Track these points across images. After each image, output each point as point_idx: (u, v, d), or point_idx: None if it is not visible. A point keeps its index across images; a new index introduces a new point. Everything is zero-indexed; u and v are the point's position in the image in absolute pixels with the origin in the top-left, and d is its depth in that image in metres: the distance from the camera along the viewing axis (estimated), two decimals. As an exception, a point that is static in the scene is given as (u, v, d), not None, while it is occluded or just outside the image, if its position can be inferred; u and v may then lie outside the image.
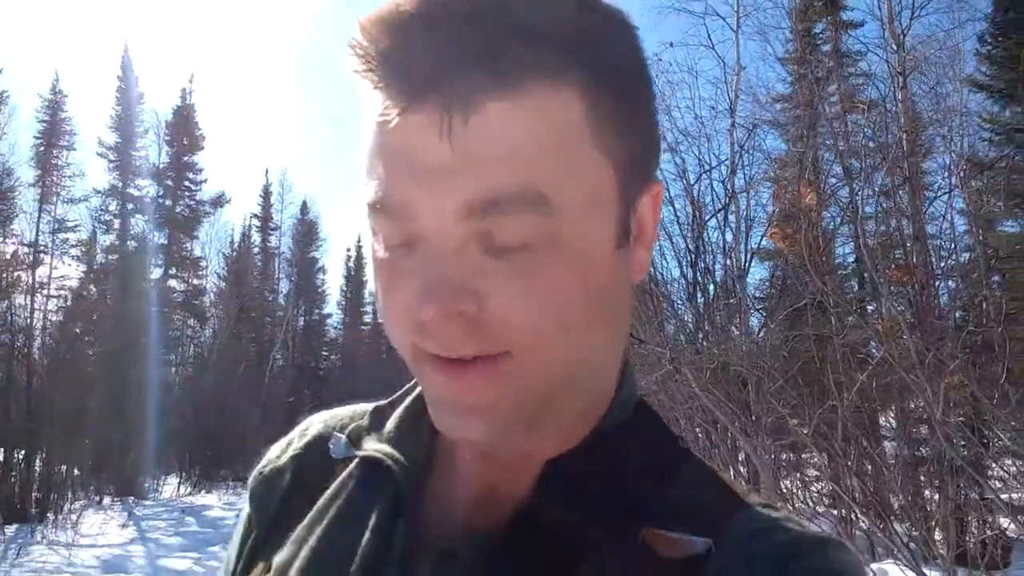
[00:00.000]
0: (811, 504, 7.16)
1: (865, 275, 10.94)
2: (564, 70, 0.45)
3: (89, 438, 15.25)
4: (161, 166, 27.61)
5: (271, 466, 0.67)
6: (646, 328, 7.27)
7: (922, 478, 6.58)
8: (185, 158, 28.11)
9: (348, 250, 39.44)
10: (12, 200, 20.79)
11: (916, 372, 4.78)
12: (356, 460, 0.61)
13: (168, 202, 27.70)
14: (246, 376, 24.14)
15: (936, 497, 6.06)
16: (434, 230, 0.45)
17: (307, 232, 35.83)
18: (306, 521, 0.60)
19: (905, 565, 4.38)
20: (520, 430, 0.51)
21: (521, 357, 0.47)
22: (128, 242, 25.84)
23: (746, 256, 10.70)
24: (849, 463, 5.56)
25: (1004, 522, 5.69)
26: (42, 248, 22.38)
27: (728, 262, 10.50)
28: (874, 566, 5.03)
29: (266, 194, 34.79)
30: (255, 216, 34.34)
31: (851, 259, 13.13)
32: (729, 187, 10.70)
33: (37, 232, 22.28)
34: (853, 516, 5.63)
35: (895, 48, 10.90)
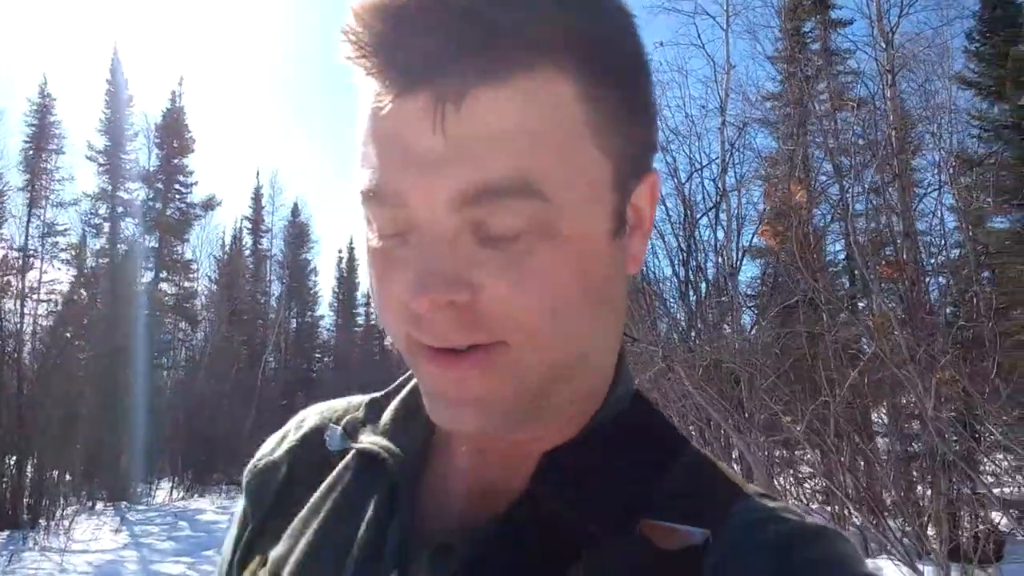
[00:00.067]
0: (804, 501, 7.19)
1: (856, 272, 10.99)
2: (559, 58, 0.45)
3: (81, 443, 15.15)
4: (151, 169, 27.49)
5: (266, 459, 0.67)
6: (639, 327, 7.29)
7: (914, 474, 6.61)
8: (175, 161, 27.96)
9: (340, 252, 39.42)
10: (1, 205, 20.71)
11: (907, 368, 4.81)
12: (352, 453, 0.61)
13: (158, 205, 27.55)
14: (238, 379, 24.03)
15: (929, 492, 6.08)
16: (427, 219, 0.45)
17: (298, 234, 35.72)
18: (302, 514, 0.59)
19: (899, 560, 4.40)
20: (516, 421, 0.50)
21: (516, 346, 0.47)
22: (118, 246, 25.68)
23: (737, 254, 10.75)
24: (842, 459, 5.58)
25: (996, 516, 5.72)
26: (32, 252, 22.24)
27: (720, 260, 10.54)
28: (868, 562, 5.04)
29: (257, 196, 34.66)
30: (246, 218, 34.23)
31: (842, 256, 13.20)
32: (720, 185, 10.75)
33: (27, 236, 22.13)
34: (846, 512, 5.66)
35: (884, 46, 10.94)
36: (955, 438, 5.39)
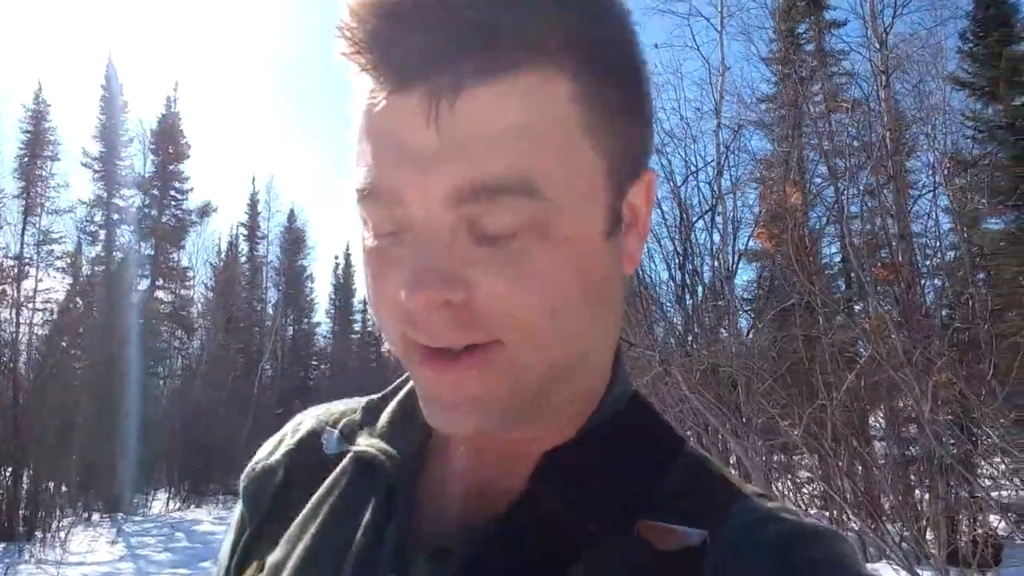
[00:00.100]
0: (803, 506, 7.17)
1: (852, 275, 10.99)
2: (556, 57, 0.45)
3: (77, 453, 15.11)
4: (147, 175, 27.49)
5: (263, 464, 0.66)
6: (635, 331, 7.28)
7: (912, 477, 6.60)
8: (171, 167, 28.00)
9: (336, 258, 39.41)
10: (-3, 212, 20.68)
11: (904, 370, 4.80)
12: (349, 456, 0.61)
13: (154, 212, 27.57)
14: (235, 387, 23.99)
15: (927, 496, 6.07)
16: (422, 217, 0.45)
17: (295, 240, 35.73)
18: (299, 519, 0.59)
19: (898, 565, 4.39)
20: (514, 420, 0.50)
21: (512, 345, 0.46)
22: (114, 253, 25.68)
23: (734, 257, 10.75)
24: (840, 464, 5.57)
25: (994, 520, 5.71)
26: (27, 261, 22.23)
27: (716, 264, 10.55)
28: (867, 567, 5.03)
29: (253, 203, 34.69)
30: (242, 225, 34.25)
31: (837, 259, 13.21)
32: (716, 188, 10.76)
33: (22, 244, 22.13)
34: (845, 517, 5.65)
35: (878, 47, 10.97)
36: (952, 441, 5.38)
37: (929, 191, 11.48)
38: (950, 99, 12.88)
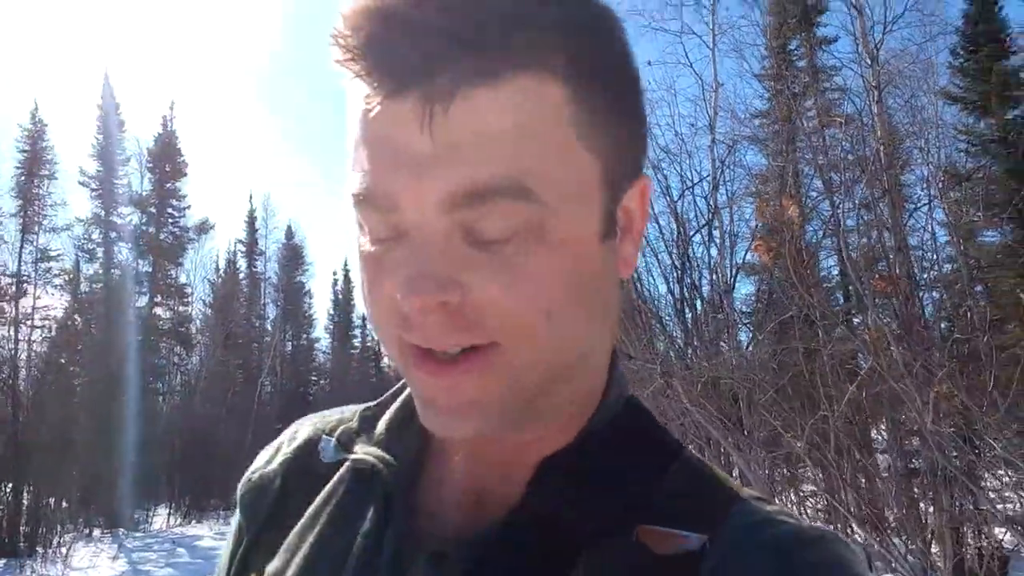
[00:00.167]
0: (807, 519, 7.15)
1: (850, 288, 11.03)
2: (546, 60, 0.45)
3: (77, 470, 15.03)
4: (144, 194, 27.48)
5: (260, 473, 0.66)
6: (635, 345, 7.30)
7: (916, 490, 6.61)
8: (168, 185, 27.99)
9: (335, 273, 39.38)
10: (-6, 230, 20.64)
11: (905, 382, 4.83)
12: (347, 464, 0.61)
13: (152, 230, 27.53)
14: (234, 403, 23.89)
15: (931, 509, 6.07)
16: (418, 222, 0.45)
17: (293, 256, 35.68)
18: (297, 528, 0.59)
19: (904, 577, 4.40)
20: (511, 424, 0.50)
21: (509, 348, 0.47)
22: (112, 271, 25.61)
23: (732, 271, 10.79)
24: (844, 476, 5.58)
25: (1000, 532, 5.70)
26: (25, 279, 22.16)
27: (714, 277, 10.56)
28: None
29: (251, 219, 34.66)
30: (240, 242, 34.22)
31: (835, 272, 13.26)
32: (712, 203, 10.80)
33: (20, 262, 22.07)
34: (849, 530, 5.65)
35: (869, 62, 11.05)
36: (955, 453, 5.40)
37: (924, 204, 11.55)
38: (942, 113, 12.97)
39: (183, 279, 28.92)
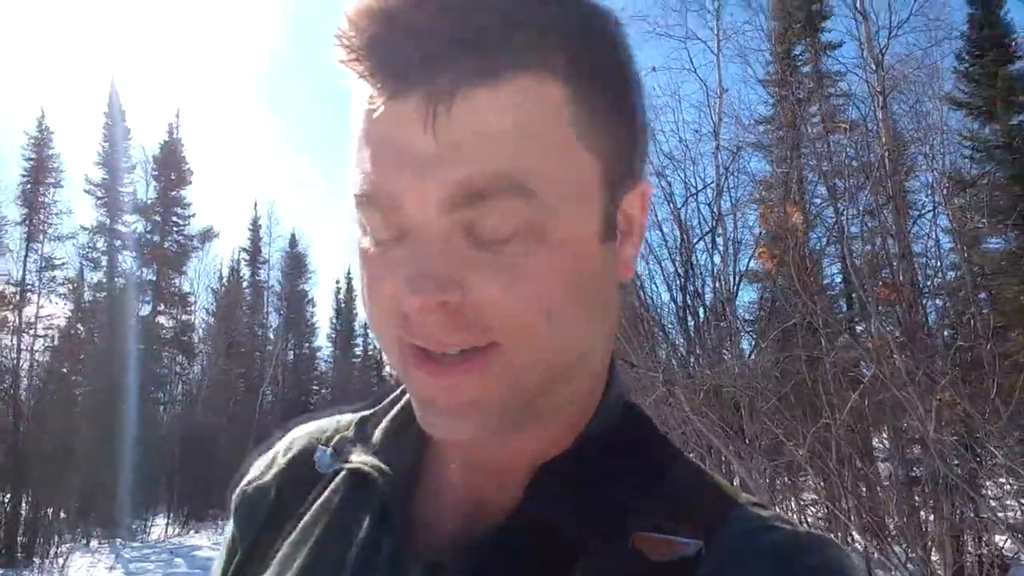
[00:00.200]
0: (808, 527, 7.08)
1: (853, 295, 10.97)
2: (546, 60, 0.46)
3: (77, 479, 15.05)
4: (149, 201, 27.61)
5: (255, 484, 0.66)
6: (638, 352, 7.26)
7: (916, 498, 6.55)
8: (173, 193, 28.15)
9: (337, 282, 39.48)
10: (-1, 238, 20.75)
11: (907, 390, 4.78)
12: (343, 473, 0.60)
13: (156, 238, 27.66)
14: (235, 412, 23.93)
15: (932, 517, 6.02)
16: (420, 221, 0.46)
17: (296, 265, 35.81)
18: (292, 539, 0.58)
19: (904, 587, 4.34)
20: (509, 426, 0.50)
21: (509, 348, 0.47)
22: (116, 279, 25.72)
23: (735, 278, 10.74)
24: (844, 484, 5.53)
25: (1000, 540, 5.65)
26: (29, 287, 22.26)
27: (717, 285, 10.52)
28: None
29: (255, 227, 34.83)
30: (244, 250, 34.36)
31: (838, 279, 13.20)
32: (715, 210, 10.77)
33: (24, 271, 22.19)
34: (849, 538, 5.59)
35: (874, 68, 11.04)
36: (957, 461, 5.34)
37: (929, 211, 11.50)
38: (947, 119, 12.94)
39: (186, 287, 29.08)
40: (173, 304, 28.19)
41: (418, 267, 0.45)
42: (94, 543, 15.16)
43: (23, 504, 12.99)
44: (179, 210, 28.37)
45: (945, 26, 12.85)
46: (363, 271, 0.50)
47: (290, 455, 0.66)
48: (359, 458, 0.60)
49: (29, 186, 23.15)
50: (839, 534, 6.06)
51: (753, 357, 9.18)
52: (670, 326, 10.04)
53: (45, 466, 13.43)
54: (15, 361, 17.62)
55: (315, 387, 37.95)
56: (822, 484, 5.97)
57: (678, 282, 10.10)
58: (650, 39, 13.13)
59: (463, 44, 0.44)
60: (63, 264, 23.95)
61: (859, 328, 9.42)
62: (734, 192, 11.45)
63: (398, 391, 0.63)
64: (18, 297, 21.02)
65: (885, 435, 7.54)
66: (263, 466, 0.67)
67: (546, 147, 0.46)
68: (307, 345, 37.40)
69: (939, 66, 12.91)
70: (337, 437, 0.64)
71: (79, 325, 22.16)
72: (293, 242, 35.82)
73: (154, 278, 27.47)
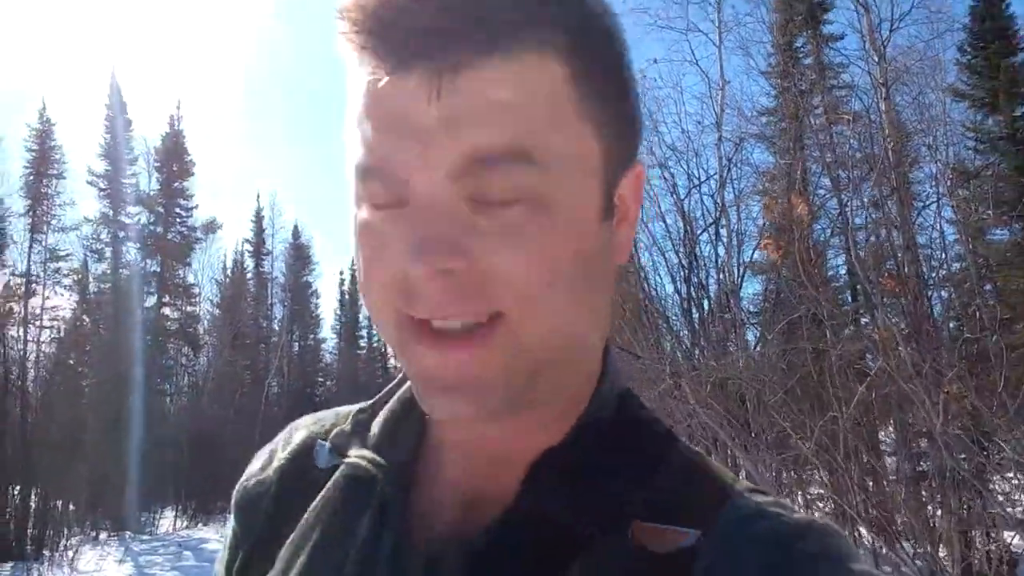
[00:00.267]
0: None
1: (858, 287, 10.97)
2: (548, 37, 0.46)
3: (84, 472, 15.09)
4: (152, 193, 27.58)
5: (255, 479, 0.66)
6: (642, 344, 7.27)
7: (924, 493, 6.56)
8: (175, 184, 28.08)
9: (341, 273, 39.41)
10: (3, 230, 20.75)
11: (914, 382, 4.79)
12: (341, 468, 0.60)
13: (159, 229, 27.64)
14: (241, 404, 23.97)
15: (939, 512, 6.03)
16: (425, 189, 0.46)
17: (300, 256, 35.76)
18: (294, 536, 0.58)
19: (912, 581, 4.36)
20: (512, 401, 0.50)
21: (514, 318, 0.47)
22: (120, 271, 25.73)
23: (739, 270, 10.73)
24: (852, 478, 5.55)
25: (1009, 535, 5.66)
26: (34, 278, 22.27)
27: (721, 276, 10.51)
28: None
29: (258, 219, 34.75)
30: (247, 241, 34.30)
31: (843, 271, 13.19)
32: (719, 201, 10.75)
33: (29, 262, 22.18)
34: (857, 533, 5.62)
35: (876, 60, 10.99)
36: (964, 455, 5.36)
37: (933, 202, 11.48)
38: (950, 111, 12.88)
39: (191, 279, 29.05)
40: (178, 296, 28.19)
41: (425, 232, 0.45)
42: (103, 536, 15.22)
43: (32, 497, 13.03)
44: (182, 201, 28.32)
45: (947, 18, 12.77)
46: (362, 244, 0.50)
47: (289, 450, 0.66)
48: (357, 453, 0.60)
49: (32, 178, 23.12)
50: (846, 529, 6.09)
51: (758, 349, 9.20)
52: (674, 318, 10.05)
53: (53, 457, 13.44)
54: (22, 352, 17.65)
55: (320, 379, 37.97)
56: (828, 478, 5.98)
57: (682, 273, 10.08)
58: (651, 31, 13.07)
59: (470, 18, 0.44)
60: (67, 255, 23.98)
61: (864, 320, 9.42)
62: (737, 183, 11.42)
63: (394, 383, 0.63)
64: (23, 288, 21.04)
65: (891, 428, 7.55)
66: (263, 461, 0.67)
67: (549, 120, 0.47)
68: (312, 337, 37.41)
69: (941, 58, 12.85)
70: (335, 432, 0.63)
71: (84, 316, 22.20)
72: (297, 234, 35.80)
73: (158, 269, 27.48)
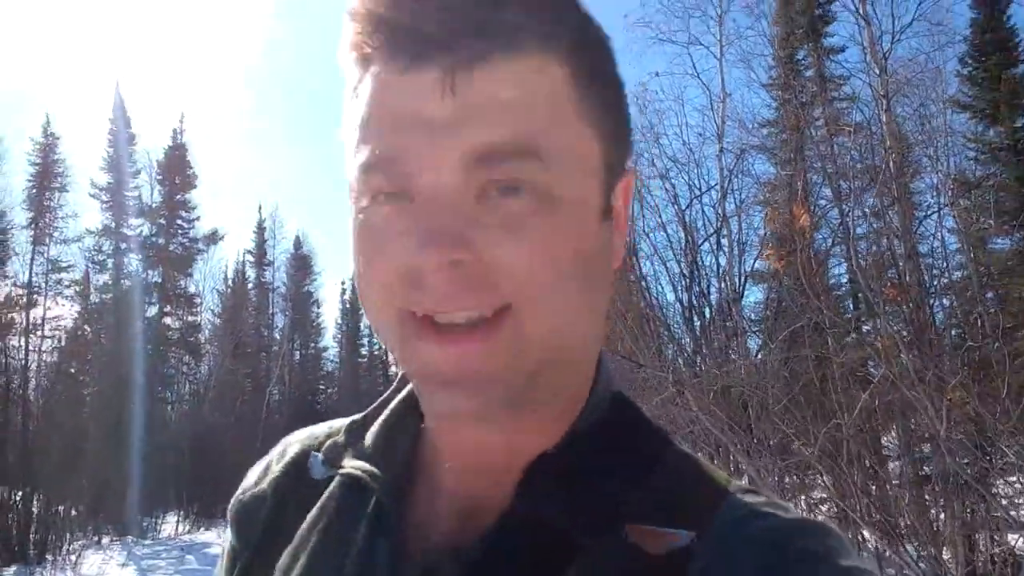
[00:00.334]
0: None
1: (859, 295, 10.99)
2: (552, 44, 0.49)
3: (87, 477, 15.07)
4: (154, 205, 27.63)
5: (251, 492, 0.66)
6: (644, 353, 7.29)
7: (927, 497, 6.56)
8: (178, 196, 28.11)
9: (343, 283, 39.39)
10: (5, 242, 20.81)
11: (917, 389, 4.81)
12: (336, 479, 0.61)
13: (162, 240, 27.68)
14: (242, 412, 23.92)
15: (943, 516, 6.03)
16: (433, 182, 0.47)
17: (301, 266, 35.80)
18: (290, 548, 0.58)
19: (916, 584, 4.36)
20: (508, 405, 0.50)
21: (519, 310, 0.48)
22: (122, 281, 25.75)
23: (740, 279, 10.77)
24: (855, 482, 5.56)
25: (1012, 539, 5.66)
26: (36, 289, 22.32)
27: (723, 285, 10.54)
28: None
29: (260, 229, 34.79)
30: (249, 252, 34.35)
31: (844, 280, 13.22)
32: (720, 211, 10.80)
33: (31, 273, 22.26)
34: (861, 537, 5.62)
35: (878, 72, 11.05)
36: (967, 460, 5.36)
37: (934, 212, 11.53)
38: (952, 122, 12.96)
39: (192, 289, 29.06)
40: (179, 305, 28.19)
41: (432, 224, 0.46)
42: (106, 540, 15.19)
43: (35, 502, 13.02)
44: (184, 213, 28.34)
45: (948, 30, 12.87)
46: (364, 243, 0.50)
47: (284, 462, 0.66)
48: (351, 463, 0.59)
49: (35, 190, 23.20)
50: (850, 532, 6.09)
51: (760, 357, 9.21)
52: (676, 326, 10.08)
53: (55, 464, 13.45)
54: (24, 361, 17.67)
55: (322, 387, 37.93)
56: (831, 483, 5.99)
57: (684, 282, 10.12)
58: (653, 44, 13.20)
59: (479, 20, 0.46)
60: (69, 267, 24.06)
61: (866, 328, 9.44)
62: (738, 194, 11.49)
63: (387, 394, 0.63)
64: (25, 299, 21.09)
65: (894, 434, 7.55)
66: (259, 474, 0.67)
67: (554, 119, 0.48)
68: (313, 345, 37.40)
69: (943, 70, 12.94)
70: (329, 443, 0.63)
71: (86, 326, 22.23)
72: (298, 244, 35.85)
73: (160, 280, 27.51)
